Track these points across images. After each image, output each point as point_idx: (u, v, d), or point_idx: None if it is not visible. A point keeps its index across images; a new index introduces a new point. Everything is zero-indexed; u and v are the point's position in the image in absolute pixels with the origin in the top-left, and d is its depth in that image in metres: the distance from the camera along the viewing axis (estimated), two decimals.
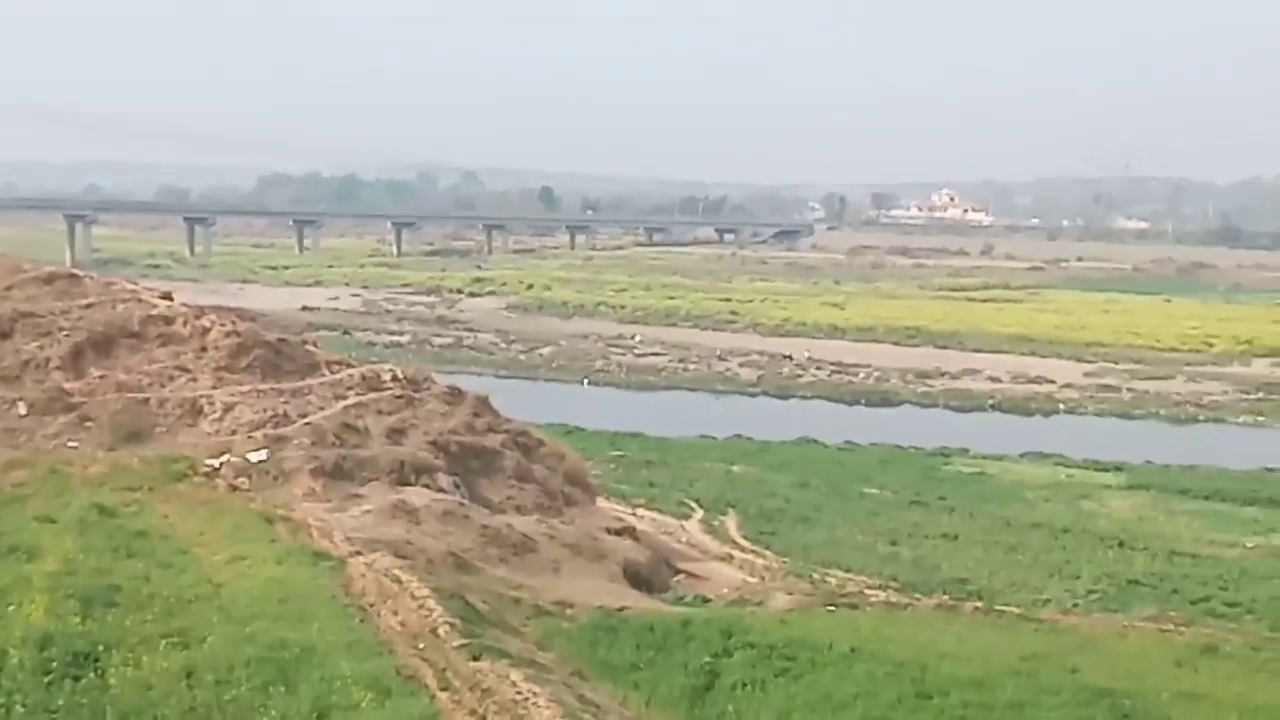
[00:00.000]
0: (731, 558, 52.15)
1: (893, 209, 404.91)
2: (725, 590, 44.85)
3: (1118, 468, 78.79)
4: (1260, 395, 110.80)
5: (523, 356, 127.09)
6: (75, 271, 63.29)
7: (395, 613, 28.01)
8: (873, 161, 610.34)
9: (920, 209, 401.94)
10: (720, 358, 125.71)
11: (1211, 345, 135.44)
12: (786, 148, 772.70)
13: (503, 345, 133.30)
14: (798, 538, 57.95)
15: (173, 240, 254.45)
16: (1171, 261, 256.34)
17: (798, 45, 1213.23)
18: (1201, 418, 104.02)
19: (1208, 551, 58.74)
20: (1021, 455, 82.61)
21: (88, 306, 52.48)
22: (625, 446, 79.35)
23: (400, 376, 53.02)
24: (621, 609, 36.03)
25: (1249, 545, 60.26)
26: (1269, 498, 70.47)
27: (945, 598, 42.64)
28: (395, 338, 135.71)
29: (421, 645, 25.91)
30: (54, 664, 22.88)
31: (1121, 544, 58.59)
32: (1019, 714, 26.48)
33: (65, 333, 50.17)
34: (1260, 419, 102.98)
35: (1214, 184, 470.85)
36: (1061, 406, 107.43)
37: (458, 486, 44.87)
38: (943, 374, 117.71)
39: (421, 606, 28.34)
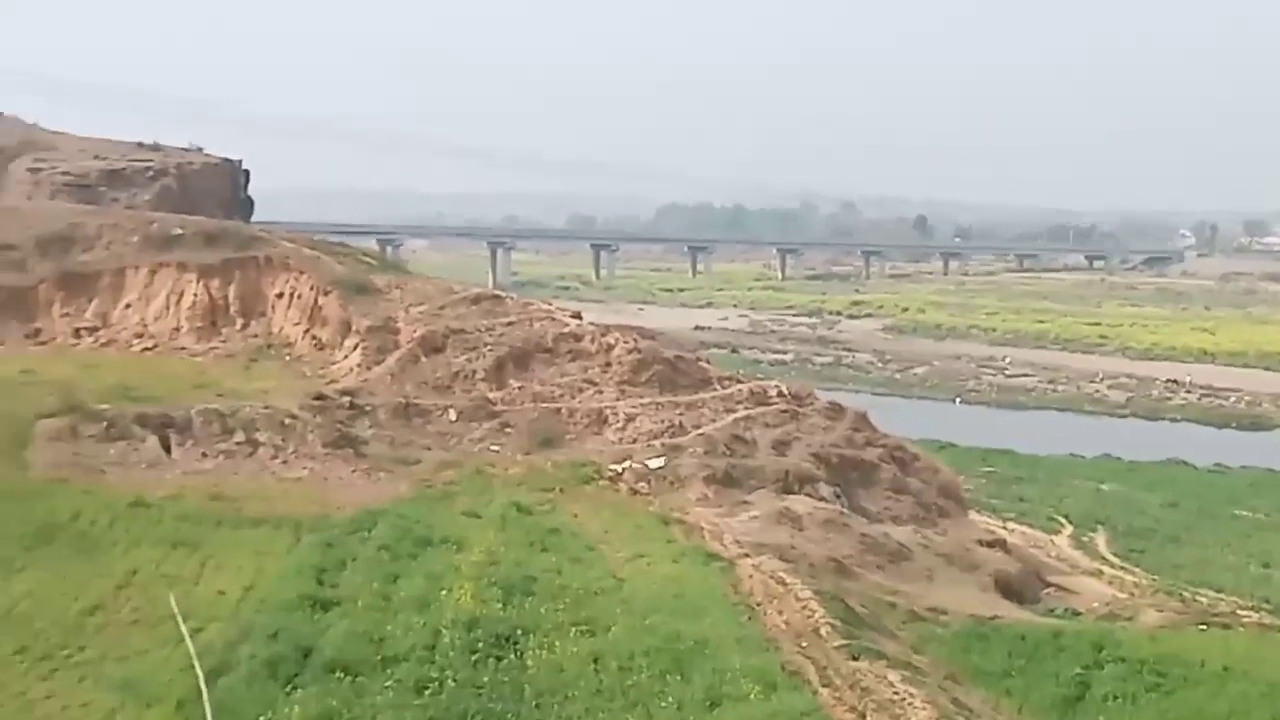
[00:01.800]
0: (1101, 573, 50.30)
1: (1266, 236, 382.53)
2: (1095, 604, 43.28)
3: None
4: None
5: (898, 375, 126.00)
6: (498, 293, 65.97)
7: (780, 612, 28.14)
8: (1245, 189, 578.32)
9: None
10: (1089, 379, 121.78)
11: None
12: (1156, 174, 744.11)
13: (879, 364, 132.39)
14: (1167, 556, 55.46)
15: (580, 264, 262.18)
16: None
17: (1161, 75, 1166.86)
18: None
19: None
20: None
21: (509, 324, 54.66)
22: (996, 463, 77.72)
23: (785, 392, 53.31)
24: (993, 617, 35.29)
25: None
26: None
27: None
28: (779, 356, 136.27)
29: (804, 643, 25.95)
30: (479, 644, 24.06)
31: None
32: None
33: (489, 347, 52.40)
34: None
35: None
36: None
37: (838, 496, 44.78)
38: None
39: (804, 607, 28.39)
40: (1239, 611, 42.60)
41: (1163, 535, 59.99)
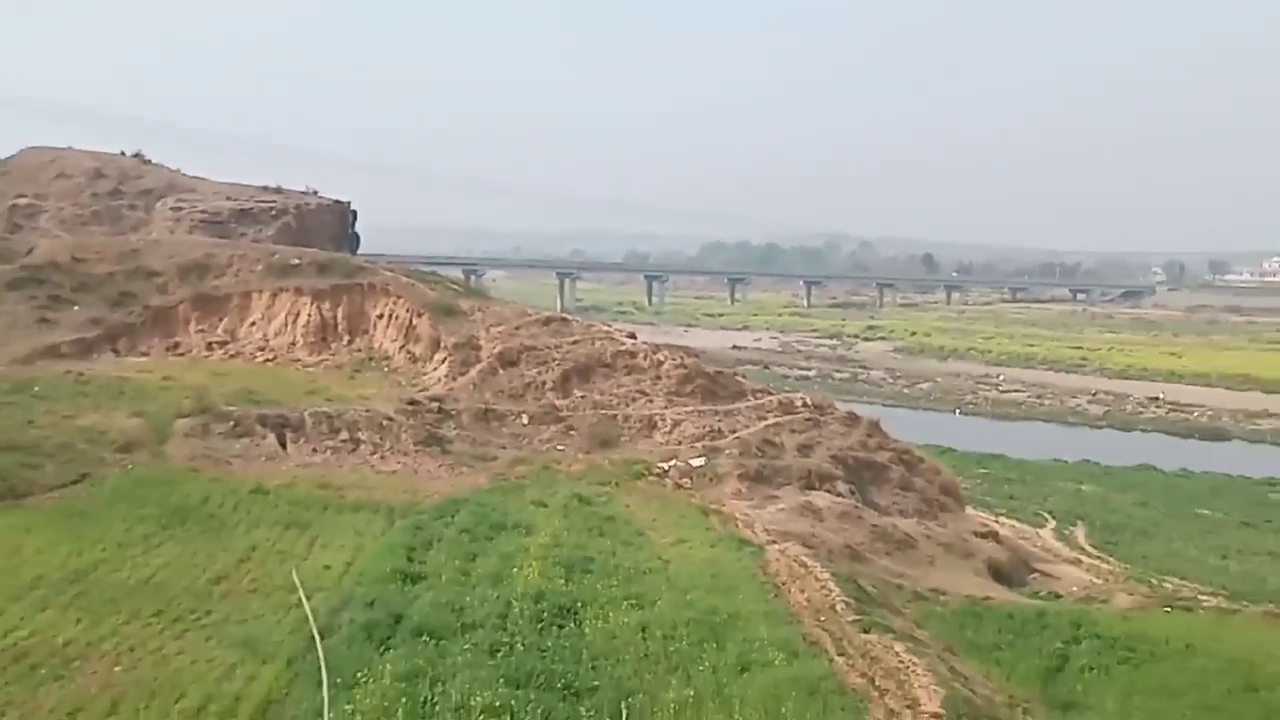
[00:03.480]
0: (1080, 562, 49.85)
1: (1227, 274, 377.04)
2: (1074, 588, 42.84)
3: None
4: None
5: (906, 390, 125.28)
6: (565, 316, 65.96)
7: (802, 591, 27.99)
8: (1210, 232, 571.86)
9: (1252, 274, 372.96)
10: (1072, 395, 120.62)
11: None
12: (1133, 220, 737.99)
13: (890, 380, 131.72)
14: (1138, 548, 54.77)
15: (635, 293, 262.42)
16: None
17: (1136, 136, 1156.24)
18: None
19: None
20: None
21: (574, 343, 54.71)
22: (990, 466, 77.09)
23: (809, 403, 53.09)
24: (986, 598, 34.95)
25: None
26: None
27: (1271, 606, 39.16)
28: (804, 372, 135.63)
29: (822, 618, 25.79)
30: (544, 614, 24.07)
31: None
32: None
33: (557, 362, 52.50)
34: None
35: None
36: None
37: (853, 492, 44.56)
38: (1271, 415, 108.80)
39: (823, 587, 28.23)
40: (1200, 597, 42.01)
41: (1134, 530, 59.27)
